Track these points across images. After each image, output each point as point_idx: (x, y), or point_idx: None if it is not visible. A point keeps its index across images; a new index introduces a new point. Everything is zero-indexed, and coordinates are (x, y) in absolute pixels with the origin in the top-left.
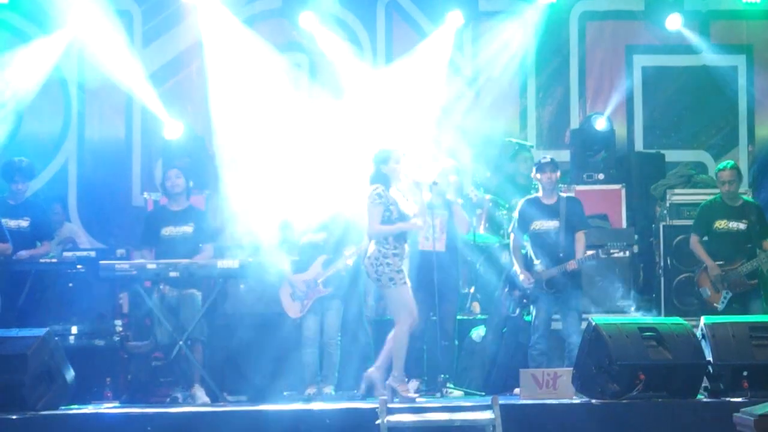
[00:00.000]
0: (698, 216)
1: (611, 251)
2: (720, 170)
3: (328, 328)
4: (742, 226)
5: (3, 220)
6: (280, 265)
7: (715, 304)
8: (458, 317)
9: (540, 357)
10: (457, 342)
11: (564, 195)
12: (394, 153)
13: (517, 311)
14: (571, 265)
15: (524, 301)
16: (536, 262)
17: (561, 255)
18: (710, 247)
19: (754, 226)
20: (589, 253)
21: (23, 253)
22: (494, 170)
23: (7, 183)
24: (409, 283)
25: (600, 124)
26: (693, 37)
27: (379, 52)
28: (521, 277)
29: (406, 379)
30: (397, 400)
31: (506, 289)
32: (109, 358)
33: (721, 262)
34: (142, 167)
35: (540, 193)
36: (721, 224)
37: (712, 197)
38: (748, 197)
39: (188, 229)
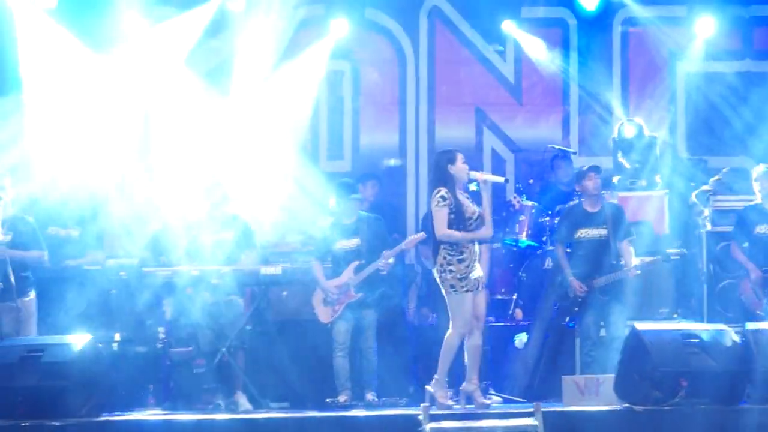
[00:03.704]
0: (738, 221)
1: (671, 258)
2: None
3: (364, 337)
4: None
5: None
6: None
7: (757, 311)
8: (501, 324)
9: (594, 364)
10: (489, 347)
11: (607, 201)
12: (459, 153)
13: (567, 319)
14: (634, 271)
15: (575, 309)
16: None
17: (614, 262)
18: (751, 252)
19: None
20: (649, 259)
21: (70, 261)
22: (537, 177)
23: None
24: (483, 291)
25: (629, 131)
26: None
27: (422, 59)
28: (575, 285)
29: (481, 384)
30: (434, 406)
31: (552, 297)
32: (152, 364)
33: (764, 268)
34: None
35: (584, 201)
36: (761, 229)
37: (752, 203)
38: None
39: (227, 236)
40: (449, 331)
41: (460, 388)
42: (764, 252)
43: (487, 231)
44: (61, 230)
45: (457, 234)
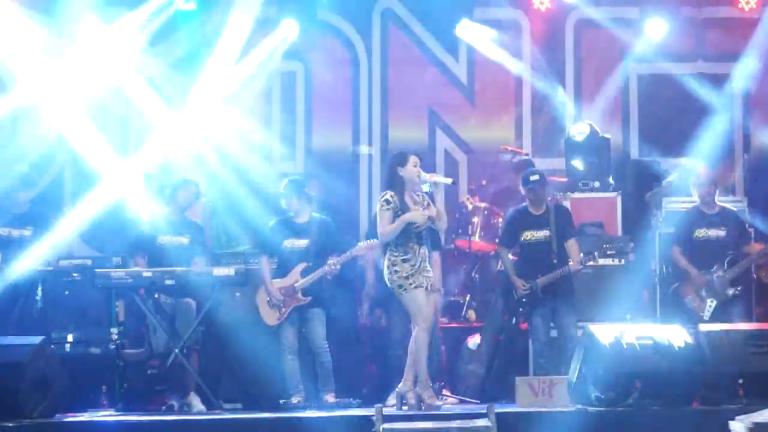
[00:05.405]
0: (678, 226)
1: (608, 253)
2: (697, 174)
3: (313, 337)
4: (721, 233)
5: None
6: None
7: (701, 314)
8: (454, 325)
9: (547, 365)
10: (444, 348)
11: (551, 203)
12: (411, 156)
13: (514, 320)
14: (575, 266)
15: (520, 309)
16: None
17: (555, 261)
18: (691, 256)
19: (733, 233)
20: (588, 255)
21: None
22: (490, 178)
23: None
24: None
25: (581, 132)
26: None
27: (375, 60)
28: (517, 284)
29: (434, 385)
30: (423, 408)
31: (502, 298)
32: (105, 365)
33: (703, 271)
34: None
35: (527, 203)
36: (700, 233)
37: (690, 207)
38: (725, 204)
39: (184, 240)
40: (414, 331)
41: (396, 389)
42: (703, 255)
43: (441, 224)
44: (14, 231)
45: (393, 225)
